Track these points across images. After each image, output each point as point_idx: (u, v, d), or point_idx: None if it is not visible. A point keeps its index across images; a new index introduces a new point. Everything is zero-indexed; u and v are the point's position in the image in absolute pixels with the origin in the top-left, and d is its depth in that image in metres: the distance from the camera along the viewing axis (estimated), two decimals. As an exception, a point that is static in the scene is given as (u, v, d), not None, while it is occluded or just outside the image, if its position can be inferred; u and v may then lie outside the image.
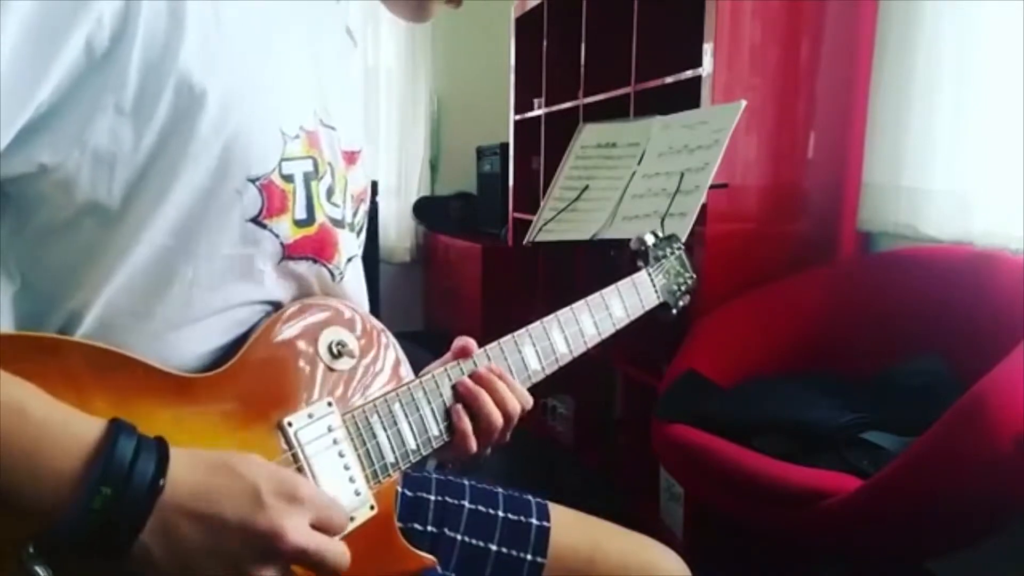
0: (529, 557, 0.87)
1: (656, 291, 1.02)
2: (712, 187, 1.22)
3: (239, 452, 0.55)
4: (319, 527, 0.55)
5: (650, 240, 1.03)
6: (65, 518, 0.47)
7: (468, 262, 3.59)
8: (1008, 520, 1.31)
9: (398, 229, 4.32)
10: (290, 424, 0.63)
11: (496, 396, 0.76)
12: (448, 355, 0.80)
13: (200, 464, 0.52)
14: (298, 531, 0.52)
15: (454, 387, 0.76)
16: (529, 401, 0.79)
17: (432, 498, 0.90)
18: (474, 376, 0.76)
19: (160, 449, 0.51)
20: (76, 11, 0.52)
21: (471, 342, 0.78)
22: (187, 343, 0.61)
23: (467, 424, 0.74)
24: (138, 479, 0.48)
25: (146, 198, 0.57)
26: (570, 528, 0.91)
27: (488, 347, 0.80)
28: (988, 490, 1.18)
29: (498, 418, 0.75)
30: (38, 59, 0.51)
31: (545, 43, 2.86)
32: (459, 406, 0.75)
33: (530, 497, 0.93)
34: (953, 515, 1.22)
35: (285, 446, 0.63)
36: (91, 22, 0.52)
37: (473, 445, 0.75)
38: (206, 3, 0.58)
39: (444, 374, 0.76)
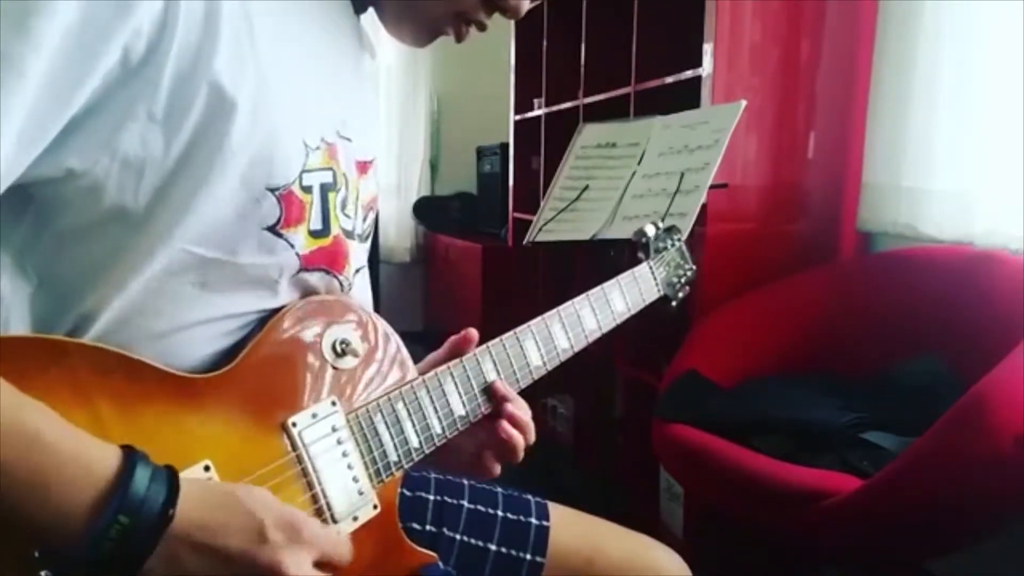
0: (528, 557, 0.87)
1: (656, 284, 1.01)
2: (712, 187, 1.22)
3: (249, 486, 0.56)
4: (324, 564, 0.57)
5: (651, 231, 1.02)
6: (80, 543, 0.48)
7: (468, 262, 3.59)
8: (1008, 520, 1.31)
9: (398, 229, 4.32)
10: (294, 424, 0.63)
11: (516, 422, 0.78)
12: (442, 350, 0.80)
13: (209, 497, 0.53)
14: (298, 566, 0.54)
15: (487, 389, 0.77)
16: (532, 436, 0.81)
17: (431, 498, 0.90)
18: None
19: (171, 479, 0.52)
20: (117, 21, 0.52)
21: (473, 333, 0.79)
22: (193, 343, 0.62)
23: (516, 436, 0.78)
24: (149, 508, 0.49)
25: (172, 204, 0.58)
26: (570, 528, 0.91)
27: (490, 343, 0.80)
28: (988, 490, 1.18)
29: (519, 441, 0.78)
30: (77, 66, 0.51)
31: (545, 43, 2.85)
32: (504, 423, 0.77)
33: (530, 497, 0.93)
34: (953, 515, 1.21)
35: (289, 447, 0.63)
36: (130, 32, 0.52)
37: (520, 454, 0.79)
38: (240, 13, 0.58)
39: (447, 372, 0.76)
